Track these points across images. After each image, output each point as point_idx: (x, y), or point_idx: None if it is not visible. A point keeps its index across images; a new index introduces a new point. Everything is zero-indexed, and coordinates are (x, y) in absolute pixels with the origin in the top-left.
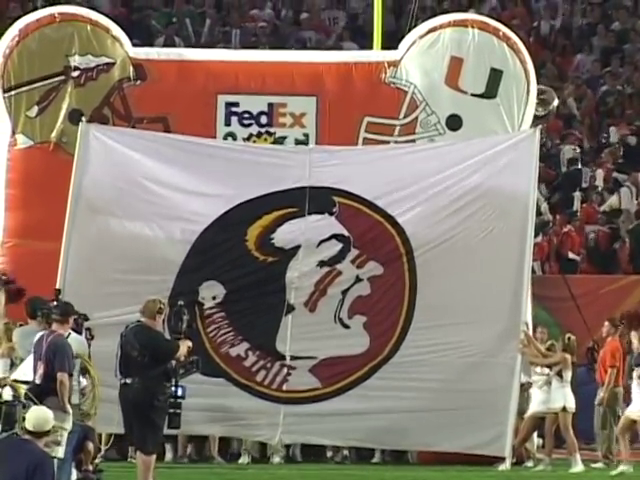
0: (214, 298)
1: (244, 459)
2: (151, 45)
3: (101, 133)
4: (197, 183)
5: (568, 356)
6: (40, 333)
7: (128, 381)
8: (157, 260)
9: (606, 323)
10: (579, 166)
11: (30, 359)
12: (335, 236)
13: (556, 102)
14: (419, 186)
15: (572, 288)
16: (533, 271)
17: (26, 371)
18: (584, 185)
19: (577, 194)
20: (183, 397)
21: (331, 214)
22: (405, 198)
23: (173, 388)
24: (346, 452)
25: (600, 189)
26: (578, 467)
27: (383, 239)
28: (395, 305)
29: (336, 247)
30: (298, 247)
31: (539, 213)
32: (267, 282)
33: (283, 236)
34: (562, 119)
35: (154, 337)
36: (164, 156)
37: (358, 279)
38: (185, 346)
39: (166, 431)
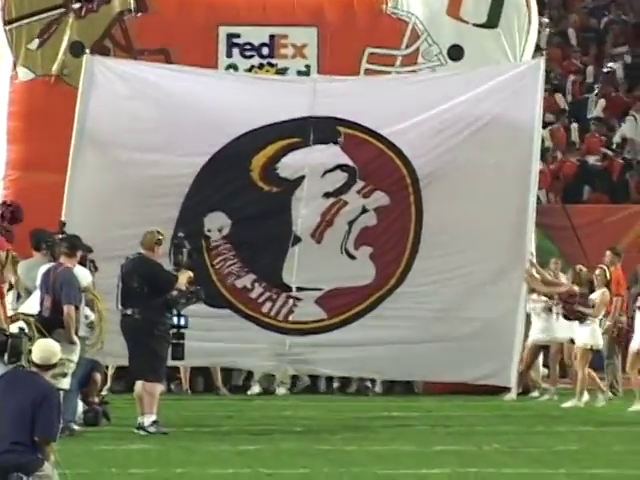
0: (220, 230)
1: (254, 390)
2: None
3: (104, 65)
4: (201, 113)
5: (577, 288)
6: (47, 266)
7: (129, 312)
8: (161, 191)
9: (608, 252)
10: (587, 95)
11: (38, 293)
12: (340, 166)
13: (546, 30)
14: (424, 116)
15: (576, 218)
16: (538, 200)
17: (33, 304)
18: (589, 115)
19: (574, 125)
20: (186, 327)
21: (335, 144)
22: (410, 128)
23: (175, 319)
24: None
25: (602, 119)
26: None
27: (389, 169)
28: (401, 235)
29: (341, 177)
30: (303, 177)
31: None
32: (272, 213)
33: (287, 166)
34: (561, 48)
35: (153, 268)
36: (167, 87)
37: (364, 210)
38: (185, 276)
39: (170, 362)
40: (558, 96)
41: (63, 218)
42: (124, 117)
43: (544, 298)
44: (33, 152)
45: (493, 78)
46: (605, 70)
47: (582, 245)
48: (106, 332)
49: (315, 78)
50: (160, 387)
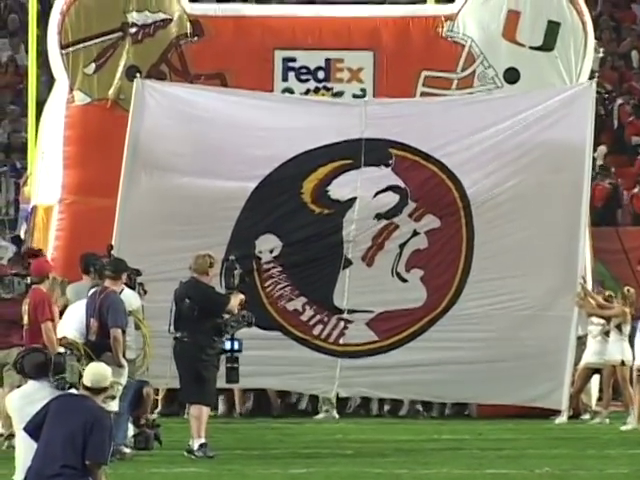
0: (271, 252)
1: (321, 415)
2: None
3: (155, 89)
4: (253, 137)
5: (627, 309)
6: (92, 289)
7: (178, 335)
8: (213, 215)
9: None
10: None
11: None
12: (391, 187)
13: (600, 54)
14: (475, 138)
15: (629, 241)
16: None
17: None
18: None
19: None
20: (240, 351)
21: (387, 166)
22: (461, 150)
23: (229, 343)
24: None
25: None
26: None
27: (440, 192)
28: (452, 258)
29: (393, 199)
30: (354, 199)
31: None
32: (324, 235)
33: (339, 188)
34: (617, 71)
35: (204, 291)
36: (220, 111)
37: (415, 233)
38: (237, 299)
39: (225, 385)
40: None
41: (113, 242)
42: (175, 141)
43: (602, 321)
44: (89, 177)
45: (545, 100)
46: None
47: (633, 268)
48: (151, 356)
49: (366, 100)
50: (205, 411)
